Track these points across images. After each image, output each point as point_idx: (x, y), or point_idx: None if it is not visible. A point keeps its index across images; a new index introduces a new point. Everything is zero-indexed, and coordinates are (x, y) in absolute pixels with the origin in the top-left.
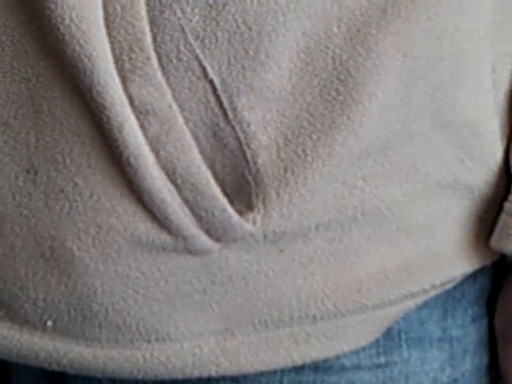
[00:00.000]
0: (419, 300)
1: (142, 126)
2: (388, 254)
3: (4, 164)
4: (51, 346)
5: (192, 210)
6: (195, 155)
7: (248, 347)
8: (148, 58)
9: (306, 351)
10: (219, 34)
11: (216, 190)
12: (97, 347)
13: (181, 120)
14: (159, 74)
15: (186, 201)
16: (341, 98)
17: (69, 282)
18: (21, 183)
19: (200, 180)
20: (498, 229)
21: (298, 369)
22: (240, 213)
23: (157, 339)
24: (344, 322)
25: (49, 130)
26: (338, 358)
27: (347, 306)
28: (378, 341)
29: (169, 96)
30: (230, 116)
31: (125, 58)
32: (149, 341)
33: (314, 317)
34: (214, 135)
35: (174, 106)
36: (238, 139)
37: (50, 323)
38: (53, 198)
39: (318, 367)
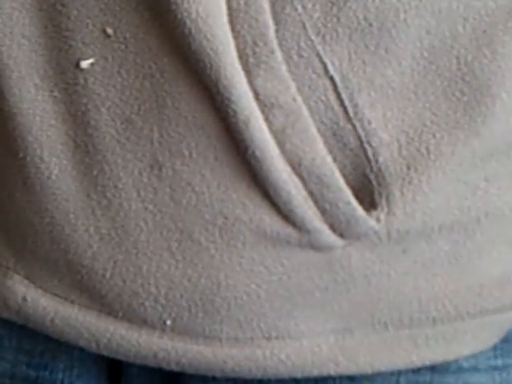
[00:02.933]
0: None
1: (267, 120)
2: (511, 257)
3: (127, 161)
4: (170, 346)
5: (316, 202)
6: (320, 147)
7: (367, 347)
8: (272, 52)
9: (426, 353)
10: (340, 30)
11: (341, 182)
12: (216, 346)
13: (305, 112)
14: (283, 67)
15: (310, 193)
16: (465, 98)
17: (193, 276)
18: (145, 179)
19: (325, 172)
20: None
21: (415, 369)
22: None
23: (277, 337)
24: (464, 326)
25: (173, 124)
26: (456, 360)
27: (468, 309)
28: (495, 343)
29: (293, 89)
30: (351, 113)
31: (249, 52)
32: (269, 338)
33: (434, 319)
34: (334, 135)
35: (299, 99)
36: (359, 137)
37: (169, 322)
38: (179, 191)
39: (435, 368)
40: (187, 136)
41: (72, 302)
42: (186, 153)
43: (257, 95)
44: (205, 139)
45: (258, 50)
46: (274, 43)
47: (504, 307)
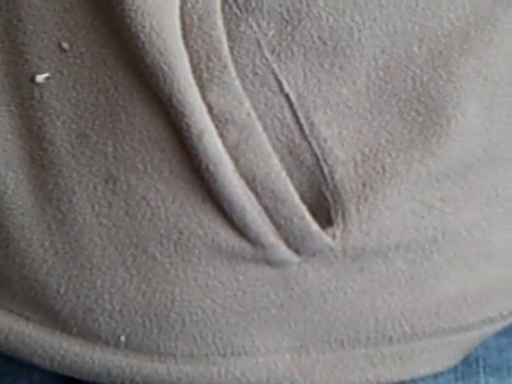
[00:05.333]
0: (497, 326)
1: (221, 135)
2: (467, 278)
3: (82, 175)
4: (124, 363)
5: (271, 217)
6: (274, 162)
7: (323, 365)
8: (225, 67)
9: (382, 372)
10: (295, 49)
11: (295, 198)
12: (171, 363)
13: (259, 128)
14: (237, 83)
15: (265, 208)
16: (420, 118)
17: (147, 291)
18: (100, 193)
19: (279, 187)
20: None
21: None
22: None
23: (232, 353)
24: (420, 345)
25: (127, 139)
26: (415, 381)
27: (424, 328)
28: (455, 366)
29: (247, 104)
30: (307, 131)
31: (202, 67)
32: (224, 355)
33: (391, 338)
34: (290, 152)
35: (253, 114)
36: (315, 155)
37: (123, 338)
38: (134, 205)
39: None
40: (142, 150)
41: (27, 318)
42: (141, 167)
43: (211, 110)
44: (159, 153)
45: (211, 65)
46: (228, 59)
47: (461, 328)
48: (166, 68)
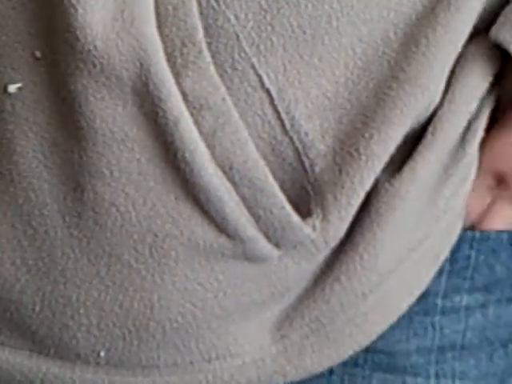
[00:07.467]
0: None
1: (196, 122)
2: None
3: (53, 185)
4: (106, 381)
5: (250, 208)
6: (251, 149)
7: (311, 348)
8: (200, 52)
9: (369, 328)
10: (274, 39)
11: (274, 187)
12: (155, 375)
13: (235, 114)
14: (212, 68)
15: (243, 198)
16: (393, 93)
17: (124, 301)
18: (69, 204)
19: (258, 175)
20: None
21: None
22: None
23: (217, 357)
24: (389, 284)
25: (90, 144)
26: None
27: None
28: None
29: (222, 89)
30: (288, 126)
31: (177, 54)
32: (209, 360)
33: (364, 294)
34: (272, 149)
35: (228, 100)
36: (297, 150)
37: (103, 353)
38: (103, 213)
39: None
40: (106, 154)
41: (2, 343)
42: (107, 172)
43: (185, 97)
44: (126, 154)
45: (185, 50)
46: (203, 44)
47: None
48: (142, 53)
